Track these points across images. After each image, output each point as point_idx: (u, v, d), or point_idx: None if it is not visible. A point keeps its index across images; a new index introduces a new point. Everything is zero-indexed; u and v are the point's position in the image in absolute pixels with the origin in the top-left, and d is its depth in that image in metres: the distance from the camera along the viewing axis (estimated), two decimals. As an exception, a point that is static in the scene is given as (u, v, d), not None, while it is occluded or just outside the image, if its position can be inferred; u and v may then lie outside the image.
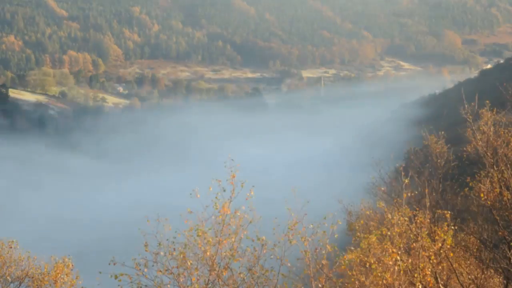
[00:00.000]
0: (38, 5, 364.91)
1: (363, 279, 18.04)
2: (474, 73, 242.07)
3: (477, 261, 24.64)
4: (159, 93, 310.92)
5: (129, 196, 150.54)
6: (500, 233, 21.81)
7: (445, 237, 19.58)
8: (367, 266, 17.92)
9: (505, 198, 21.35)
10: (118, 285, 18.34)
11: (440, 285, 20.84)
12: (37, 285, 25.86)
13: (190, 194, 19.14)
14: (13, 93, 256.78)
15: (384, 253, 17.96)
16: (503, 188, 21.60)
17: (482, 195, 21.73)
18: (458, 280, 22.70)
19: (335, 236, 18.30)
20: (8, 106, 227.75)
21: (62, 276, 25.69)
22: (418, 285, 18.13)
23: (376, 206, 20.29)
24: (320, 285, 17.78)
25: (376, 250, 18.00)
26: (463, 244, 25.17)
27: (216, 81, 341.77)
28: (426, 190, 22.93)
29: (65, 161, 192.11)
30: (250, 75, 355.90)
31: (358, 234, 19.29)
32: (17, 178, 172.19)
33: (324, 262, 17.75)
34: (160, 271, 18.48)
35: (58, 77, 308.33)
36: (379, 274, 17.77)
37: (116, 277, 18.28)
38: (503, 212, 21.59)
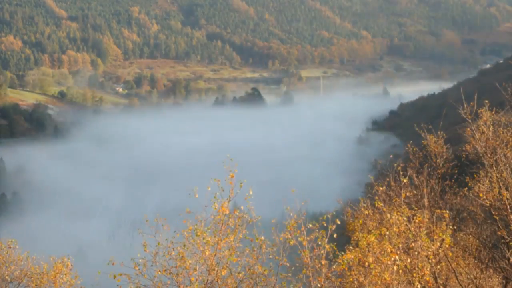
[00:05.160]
0: (37, 5, 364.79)
1: (362, 278, 18.05)
2: (473, 73, 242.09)
3: (476, 261, 24.63)
4: (158, 93, 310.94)
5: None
6: (499, 232, 21.80)
7: (444, 236, 19.58)
8: (366, 265, 17.92)
9: (504, 198, 21.34)
10: (117, 285, 18.33)
11: (439, 284, 20.83)
12: (36, 285, 25.83)
13: (189, 194, 19.16)
14: (12, 93, 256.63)
15: (383, 252, 17.97)
16: (502, 188, 21.59)
17: (481, 195, 21.72)
18: (457, 280, 22.70)
19: (334, 235, 18.31)
20: (7, 106, 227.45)
21: (61, 276, 25.67)
22: (417, 284, 18.13)
23: (375, 205, 20.27)
24: (319, 285, 17.78)
25: (375, 249, 18.00)
26: (462, 244, 25.16)
27: (215, 81, 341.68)
28: (425, 190, 22.92)
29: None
30: (249, 75, 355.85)
31: (357, 233, 19.28)
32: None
33: (323, 262, 17.75)
34: (159, 271, 18.49)
35: (57, 77, 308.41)
36: (378, 274, 17.78)
37: (115, 277, 18.27)
38: (502, 212, 21.58)
